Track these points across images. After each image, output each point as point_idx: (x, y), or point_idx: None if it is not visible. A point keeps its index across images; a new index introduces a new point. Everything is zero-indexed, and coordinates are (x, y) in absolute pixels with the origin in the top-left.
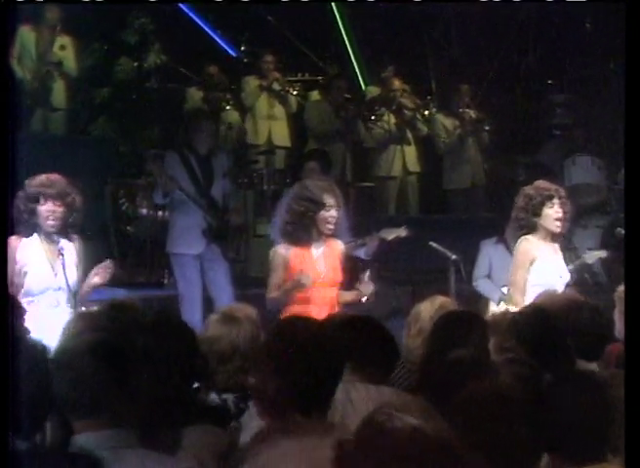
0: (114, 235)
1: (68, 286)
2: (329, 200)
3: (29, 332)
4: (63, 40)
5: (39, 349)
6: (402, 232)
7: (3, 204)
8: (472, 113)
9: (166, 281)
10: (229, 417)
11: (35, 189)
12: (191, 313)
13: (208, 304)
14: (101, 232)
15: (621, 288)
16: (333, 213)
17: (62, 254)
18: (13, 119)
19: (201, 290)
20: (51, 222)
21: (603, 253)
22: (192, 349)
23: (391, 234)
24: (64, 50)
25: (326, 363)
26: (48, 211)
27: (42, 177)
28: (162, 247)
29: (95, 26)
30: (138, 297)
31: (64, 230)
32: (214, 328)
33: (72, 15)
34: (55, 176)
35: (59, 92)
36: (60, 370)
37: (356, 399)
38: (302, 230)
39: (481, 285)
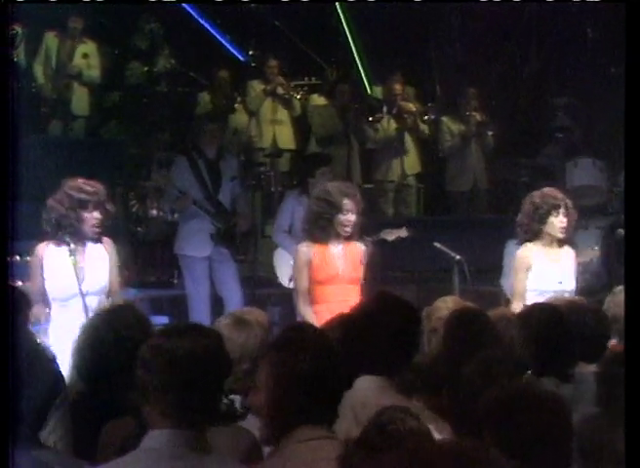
0: (124, 236)
1: (81, 291)
2: (348, 204)
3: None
4: (87, 47)
5: (41, 350)
6: (402, 233)
7: (3, 205)
8: (478, 116)
9: (175, 281)
10: (235, 418)
11: (85, 196)
12: (200, 313)
13: (217, 304)
14: (112, 233)
15: (611, 297)
16: (350, 217)
17: (74, 258)
18: (23, 124)
19: (209, 290)
20: (95, 230)
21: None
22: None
23: (392, 235)
24: (87, 58)
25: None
26: (95, 218)
27: (89, 185)
28: (171, 247)
29: (106, 31)
30: (147, 297)
31: (83, 234)
32: (223, 331)
33: (97, 21)
34: (97, 184)
35: (78, 100)
36: (164, 368)
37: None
38: (320, 230)
39: (505, 282)
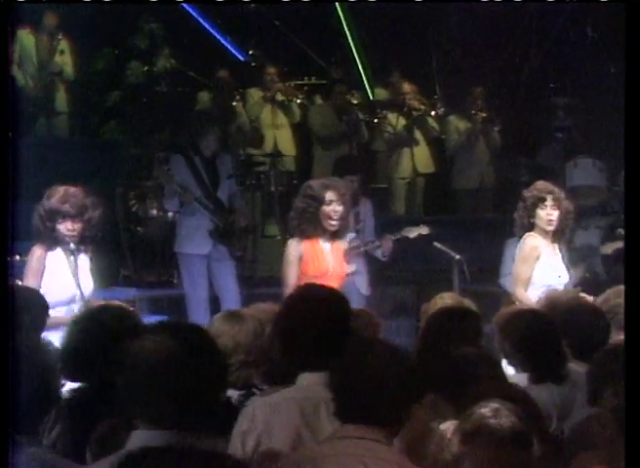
0: (124, 236)
1: (83, 295)
2: (330, 196)
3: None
4: (62, 44)
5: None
6: (424, 230)
7: (3, 207)
8: (484, 114)
9: (175, 280)
10: (235, 414)
11: (54, 207)
12: (198, 312)
13: (215, 304)
14: (112, 233)
15: (603, 296)
16: (334, 207)
17: (76, 264)
18: (16, 124)
19: (207, 289)
20: (69, 239)
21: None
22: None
23: (413, 232)
24: (63, 54)
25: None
26: (67, 229)
27: (60, 193)
28: (171, 247)
29: (105, 31)
30: (147, 297)
31: (68, 243)
32: (216, 324)
33: (70, 18)
34: (73, 191)
35: (62, 97)
36: (133, 369)
37: None
38: (306, 224)
39: (506, 282)
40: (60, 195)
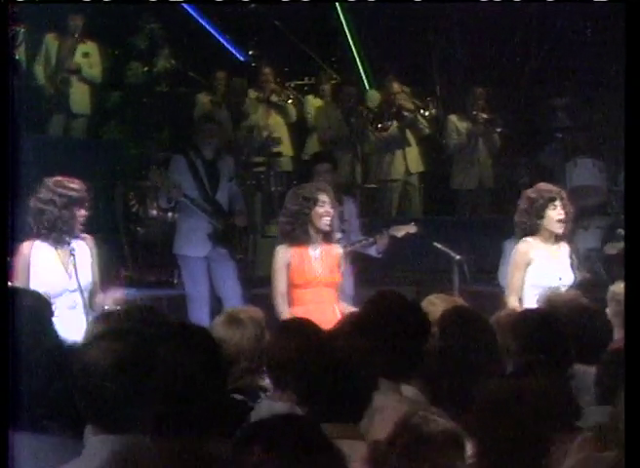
0: (125, 236)
1: (80, 287)
2: (322, 197)
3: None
4: (87, 47)
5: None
6: (411, 229)
7: (3, 205)
8: (485, 114)
9: (176, 280)
10: (238, 418)
11: (75, 194)
12: (199, 313)
13: (216, 304)
14: (112, 233)
15: (614, 288)
16: (327, 208)
17: (74, 256)
18: (17, 124)
19: (208, 290)
20: (82, 227)
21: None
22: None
23: (401, 231)
24: (88, 57)
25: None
26: (82, 216)
27: (74, 182)
28: (171, 247)
29: (106, 31)
30: (148, 297)
31: (74, 231)
32: (218, 330)
33: (97, 21)
34: (80, 182)
35: (78, 97)
36: (82, 375)
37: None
38: (300, 228)
39: (503, 282)
40: (76, 184)
